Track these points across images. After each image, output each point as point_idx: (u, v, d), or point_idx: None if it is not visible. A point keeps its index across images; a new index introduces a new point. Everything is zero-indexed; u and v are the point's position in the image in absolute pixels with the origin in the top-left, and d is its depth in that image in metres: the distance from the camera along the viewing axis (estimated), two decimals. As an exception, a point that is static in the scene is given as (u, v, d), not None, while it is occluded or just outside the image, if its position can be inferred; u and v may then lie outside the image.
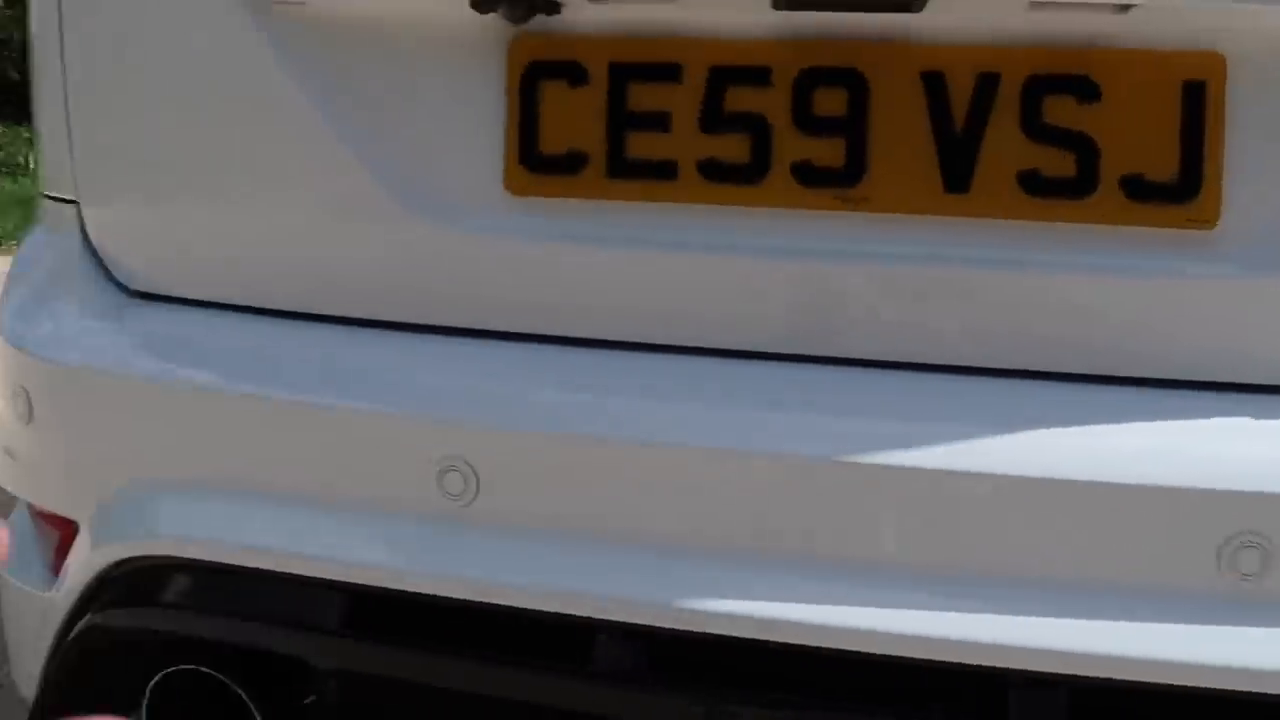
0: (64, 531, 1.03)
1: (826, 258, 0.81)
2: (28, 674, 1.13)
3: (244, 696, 0.96)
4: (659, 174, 0.83)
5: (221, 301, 0.97)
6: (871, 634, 0.76)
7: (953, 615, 0.76)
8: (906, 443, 0.75)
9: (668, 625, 0.79)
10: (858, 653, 0.77)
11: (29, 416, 1.01)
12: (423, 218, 0.87)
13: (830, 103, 0.79)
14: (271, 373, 0.90)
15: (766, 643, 0.78)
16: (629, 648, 0.80)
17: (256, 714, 0.96)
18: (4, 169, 9.03)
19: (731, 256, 0.83)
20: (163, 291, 1.01)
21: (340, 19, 0.87)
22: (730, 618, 0.78)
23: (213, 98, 0.94)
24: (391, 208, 0.88)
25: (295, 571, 0.86)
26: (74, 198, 1.04)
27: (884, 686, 0.78)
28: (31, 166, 9.18)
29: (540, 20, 0.82)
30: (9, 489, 1.09)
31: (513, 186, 0.86)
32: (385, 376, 0.87)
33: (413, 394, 0.85)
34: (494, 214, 0.87)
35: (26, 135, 10.18)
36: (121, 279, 1.03)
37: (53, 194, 1.09)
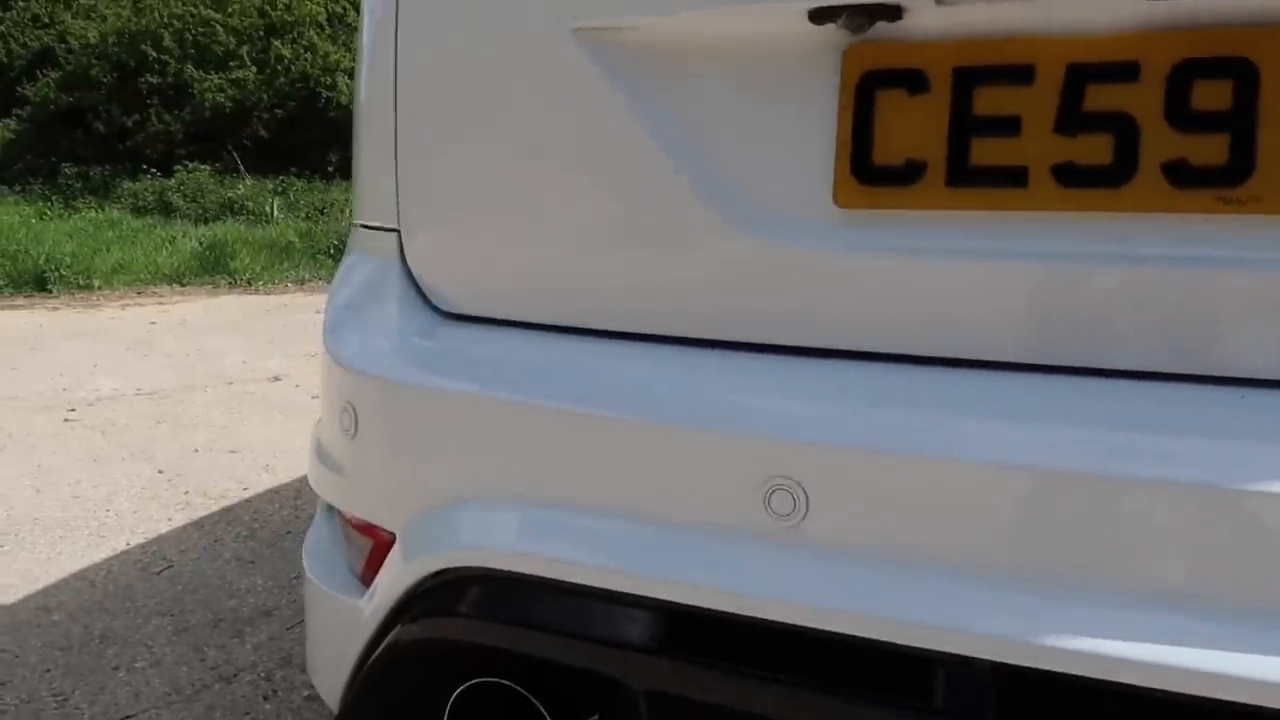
0: (378, 543, 1.07)
1: (1205, 265, 0.73)
2: (329, 679, 1.18)
3: (544, 713, 0.96)
4: (1007, 181, 0.78)
5: (538, 323, 1.00)
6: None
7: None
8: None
9: (1016, 662, 0.72)
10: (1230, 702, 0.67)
11: (354, 431, 1.06)
12: (747, 233, 0.86)
13: (1212, 95, 0.72)
14: (591, 390, 0.90)
15: (1129, 687, 0.70)
16: (970, 685, 0.74)
17: (557, 732, 0.96)
18: (254, 218, 10.03)
19: (1091, 266, 0.76)
20: (478, 313, 1.04)
21: (668, 40, 0.88)
22: (1093, 659, 0.70)
23: (538, 126, 0.97)
24: (715, 224, 0.87)
25: (612, 588, 0.85)
26: (395, 227, 1.11)
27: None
28: (276, 215, 10.17)
29: (878, 28, 0.80)
30: (331, 500, 1.16)
31: (842, 199, 0.83)
32: (709, 394, 0.85)
33: (739, 412, 0.83)
34: (821, 228, 0.84)
35: (271, 187, 11.28)
36: (438, 303, 1.07)
37: (372, 224, 1.16)
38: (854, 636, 0.76)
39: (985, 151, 0.79)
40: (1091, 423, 0.74)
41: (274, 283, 7.76)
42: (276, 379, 4.50)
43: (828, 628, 0.77)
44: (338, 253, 8.37)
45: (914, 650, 0.74)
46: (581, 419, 0.89)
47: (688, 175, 0.88)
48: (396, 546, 1.02)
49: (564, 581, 0.87)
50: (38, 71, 13.90)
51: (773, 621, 0.78)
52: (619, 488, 0.87)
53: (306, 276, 7.95)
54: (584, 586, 0.86)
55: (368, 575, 1.11)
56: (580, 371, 0.93)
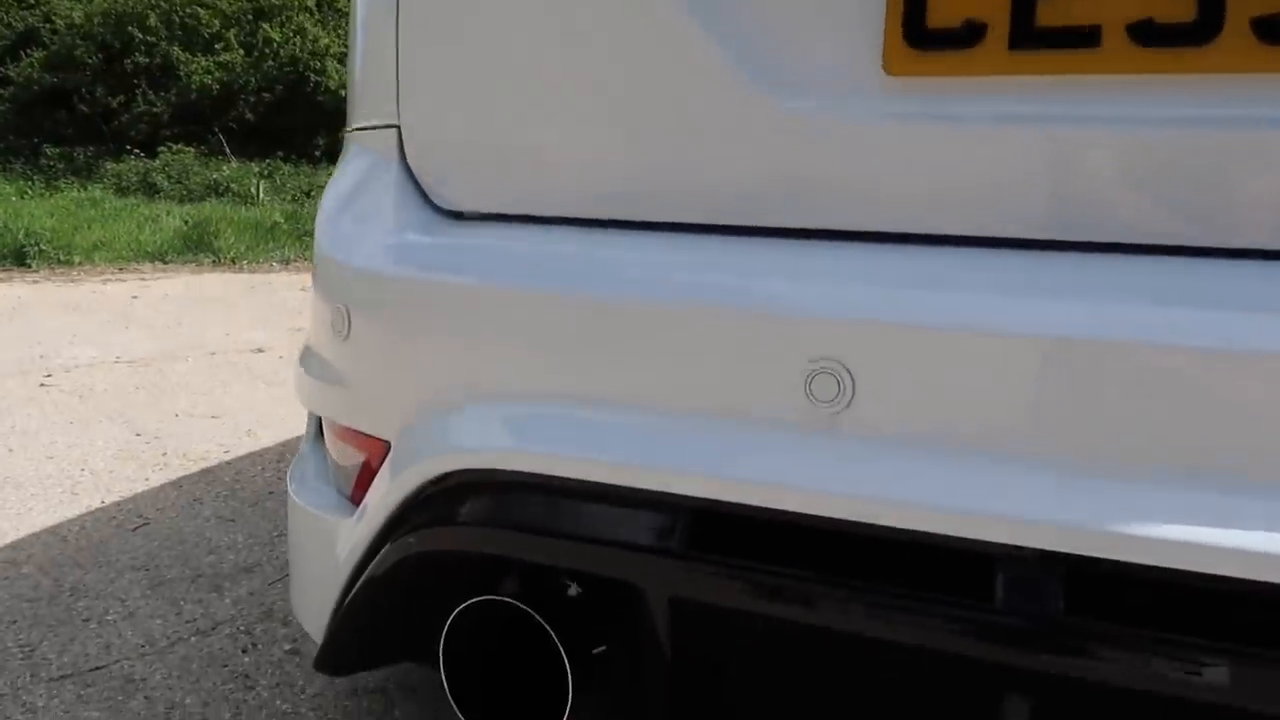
0: (371, 455, 1.00)
1: (1300, 126, 0.66)
2: (316, 612, 1.10)
3: (550, 633, 0.89)
4: (1077, 42, 0.71)
5: (549, 216, 0.92)
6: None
7: None
8: None
9: (1076, 553, 0.65)
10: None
11: (346, 333, 0.99)
12: (788, 106, 0.79)
13: (1309, -60, 0.66)
14: (611, 278, 0.83)
15: (1209, 577, 0.63)
16: (1034, 581, 0.67)
17: (563, 653, 0.89)
18: (239, 200, 9.88)
19: (1169, 132, 0.69)
20: (483, 210, 0.97)
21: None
22: (1164, 545, 0.63)
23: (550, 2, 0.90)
24: (753, 97, 0.80)
25: (636, 485, 0.77)
26: (395, 123, 1.03)
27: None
28: (261, 198, 10.03)
29: (936, -127, 0.73)
30: (321, 412, 1.08)
31: (892, 66, 0.76)
32: (743, 277, 0.78)
33: (777, 293, 0.76)
34: (870, 98, 0.77)
35: (257, 170, 11.14)
36: (439, 200, 1.00)
37: (367, 124, 1.09)
38: (905, 530, 0.69)
39: (1053, 10, 0.72)
40: (1179, 300, 0.67)
41: (259, 262, 7.64)
42: (260, 350, 4.39)
43: (877, 521, 0.70)
44: (324, 235, 8.23)
45: (972, 544, 0.67)
46: (601, 307, 0.82)
47: (721, 43, 0.81)
48: (391, 455, 0.95)
49: (582, 481, 0.80)
50: (21, 51, 13.68)
51: (815, 517, 0.71)
52: (642, 379, 0.79)
53: (292, 257, 7.83)
54: (605, 486, 0.79)
55: (358, 494, 1.03)
56: (598, 262, 0.86)
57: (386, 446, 0.96)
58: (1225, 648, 0.60)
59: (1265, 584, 0.60)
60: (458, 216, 0.99)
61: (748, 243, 0.81)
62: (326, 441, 1.12)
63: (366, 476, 1.01)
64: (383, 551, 0.94)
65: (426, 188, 1.01)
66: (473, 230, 0.97)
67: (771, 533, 0.74)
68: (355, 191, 1.08)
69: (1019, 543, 0.65)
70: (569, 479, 0.80)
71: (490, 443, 0.85)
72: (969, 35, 0.74)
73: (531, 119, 0.93)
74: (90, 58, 12.78)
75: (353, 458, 1.04)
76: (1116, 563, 0.63)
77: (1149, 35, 0.70)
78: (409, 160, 1.02)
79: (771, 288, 0.76)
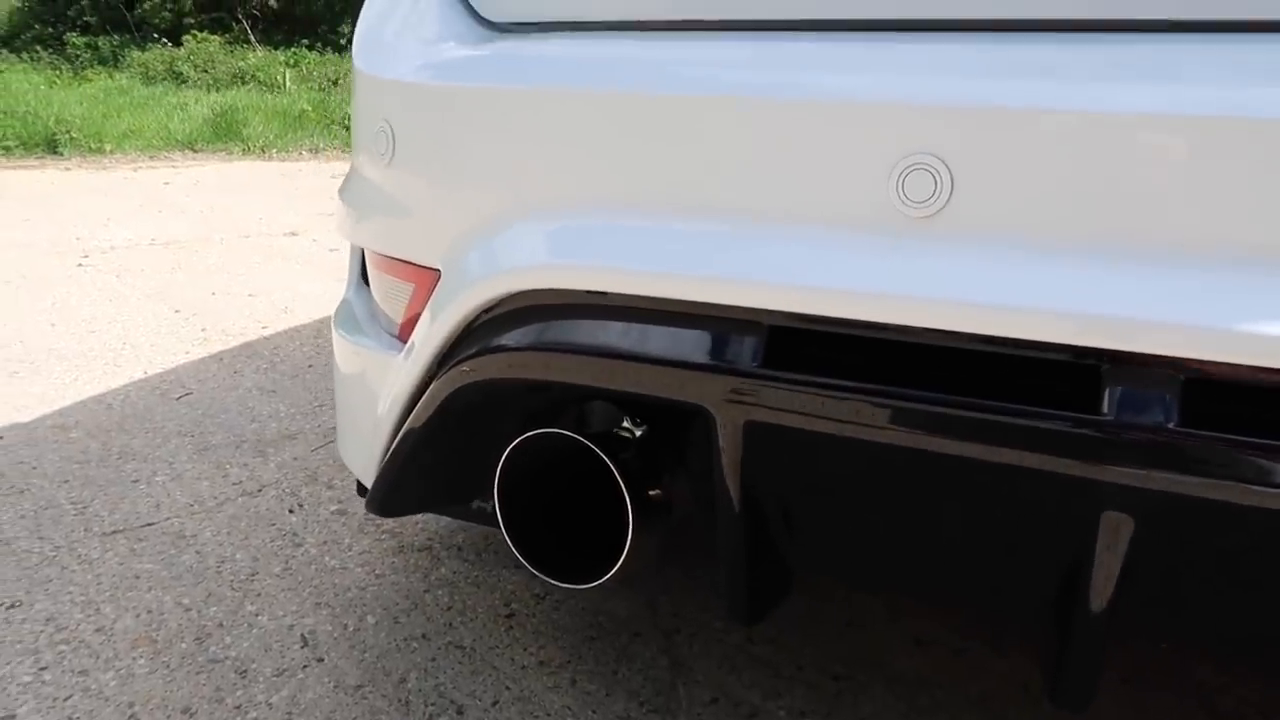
0: (419, 286, 0.95)
1: None
2: (365, 453, 1.07)
3: (611, 468, 0.85)
4: None
5: (602, 20, 0.84)
6: None
7: None
8: None
9: (1207, 358, 0.59)
10: None
11: (391, 154, 0.92)
12: None
13: None
14: (674, 76, 0.76)
15: None
16: (1153, 389, 0.61)
17: (624, 489, 0.85)
18: (265, 88, 9.72)
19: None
20: (526, 19, 0.89)
21: None
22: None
23: None
24: None
25: (705, 299, 0.72)
26: (436, -73, 0.95)
27: None
28: (288, 86, 9.85)
29: None
30: (365, 243, 1.03)
31: None
32: (816, 69, 0.71)
33: (859, 82, 0.68)
34: None
35: (282, 59, 10.92)
36: (483, 9, 0.92)
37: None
38: (1003, 338, 0.63)
39: None
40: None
41: (288, 150, 7.54)
42: (293, 234, 4.36)
43: (971, 329, 0.64)
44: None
45: (1077, 350, 0.61)
46: (663, 105, 0.74)
47: None
48: (440, 284, 0.90)
49: (645, 298, 0.74)
50: (41, -64, 13.34)
51: (904, 327, 0.65)
52: (711, 185, 0.73)
53: (321, 145, 7.72)
54: (670, 301, 0.73)
55: (405, 330, 0.99)
56: (659, 62, 0.78)
57: (435, 275, 0.91)
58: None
59: None
60: (503, 28, 0.91)
61: (822, 38, 0.73)
62: (370, 278, 1.08)
63: (415, 310, 0.96)
64: (434, 384, 0.90)
65: (470, -2, 0.93)
66: (517, 39, 0.89)
67: (856, 349, 0.68)
68: (395, 5, 1.00)
69: (1125, 348, 0.59)
70: (631, 295, 0.74)
71: (544, 260, 0.79)
72: None
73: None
74: (108, -58, 12.46)
75: (400, 291, 0.99)
76: (1238, 367, 0.57)
77: None
78: (451, -31, 0.94)
79: (857, 75, 0.68)
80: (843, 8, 0.73)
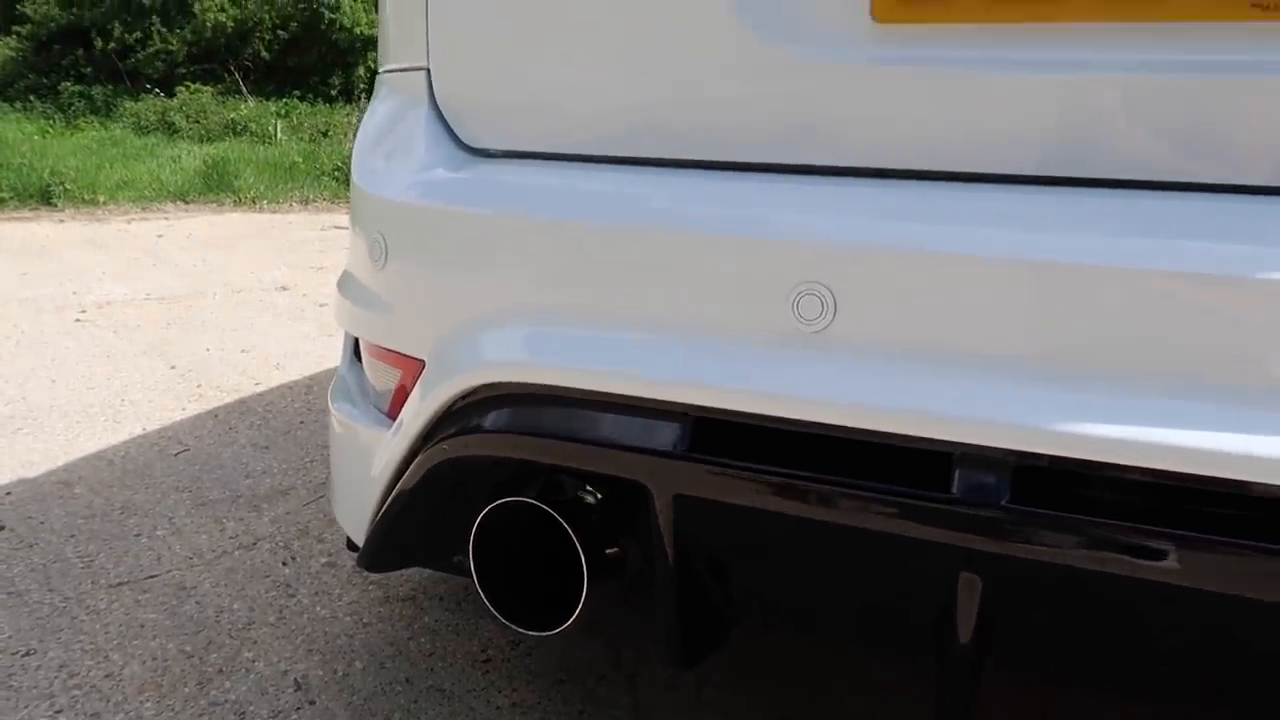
0: (406, 373, 1.10)
1: (1242, 71, 0.74)
2: (356, 516, 1.21)
3: (569, 531, 0.99)
4: (1046, -10, 0.78)
5: (566, 153, 1.01)
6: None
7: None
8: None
9: (1031, 450, 0.74)
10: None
11: (384, 261, 1.08)
12: (782, 50, 0.87)
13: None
14: (621, 208, 0.92)
15: (1135, 470, 0.72)
16: (989, 473, 0.76)
17: (580, 549, 0.99)
18: (256, 139, 9.94)
19: (1129, 75, 0.77)
20: (506, 147, 1.05)
21: None
22: (1104, 443, 0.72)
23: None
24: (750, 41, 0.87)
25: (642, 395, 0.87)
26: (424, 65, 1.11)
27: None
28: (279, 137, 10.07)
29: None
30: (361, 334, 1.18)
31: (880, 12, 0.83)
32: (739, 207, 0.87)
33: (769, 222, 0.84)
34: (858, 43, 0.85)
35: (274, 109, 11.15)
36: (466, 138, 1.08)
37: (398, 66, 1.17)
38: (874, 431, 0.78)
39: (1025, -39, 0.79)
40: (1119, 229, 0.75)
41: (278, 202, 7.73)
42: (284, 289, 4.51)
43: (848, 424, 0.79)
44: (341, 174, 8.31)
45: (930, 443, 0.77)
46: (612, 233, 0.90)
47: (725, -7, 0.88)
48: (424, 372, 1.05)
49: (593, 392, 0.89)
50: (38, -13, 13.62)
51: (796, 421, 0.81)
52: (649, 300, 0.88)
53: (311, 196, 7.91)
54: (613, 396, 0.88)
55: (394, 409, 1.13)
56: (608, 193, 0.94)
57: (420, 365, 1.06)
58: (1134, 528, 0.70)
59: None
60: (483, 153, 1.07)
61: (749, 178, 0.90)
62: (364, 361, 1.23)
63: (402, 392, 1.11)
64: (418, 459, 1.05)
65: (454, 126, 1.09)
66: (496, 166, 1.05)
67: (762, 435, 0.83)
68: (388, 130, 1.16)
69: (971, 441, 0.75)
70: (583, 390, 0.89)
71: (512, 358, 0.95)
72: (949, -15, 0.81)
73: (549, 64, 1.01)
74: (105, -6, 12.72)
75: (389, 375, 1.14)
76: (1055, 458, 0.73)
77: (1111, -15, 0.76)
78: (437, 101, 1.10)
79: (767, 218, 0.85)
80: (762, 151, 0.90)
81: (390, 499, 1.11)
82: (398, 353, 1.09)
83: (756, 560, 0.92)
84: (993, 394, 0.75)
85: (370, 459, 1.15)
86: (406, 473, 1.08)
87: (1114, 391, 0.72)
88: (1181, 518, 0.73)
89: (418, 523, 1.13)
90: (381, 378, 1.16)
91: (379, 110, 1.19)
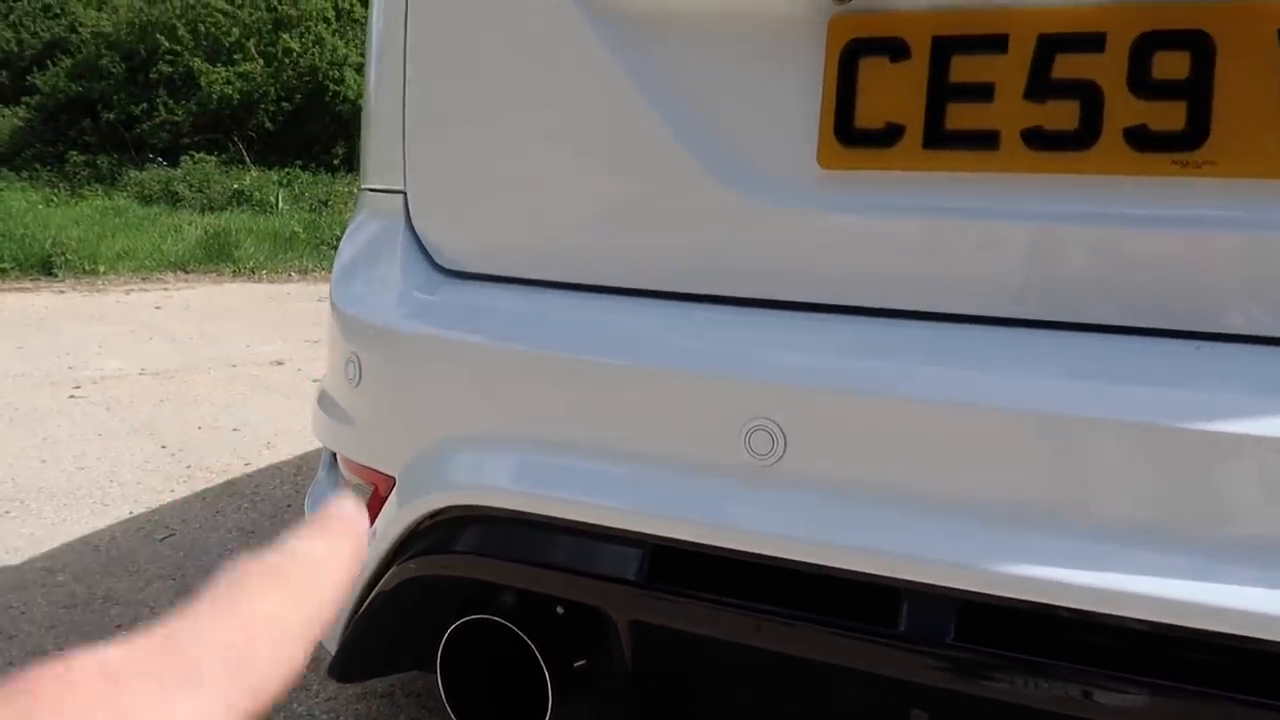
0: (379, 487, 1.13)
1: (1164, 224, 0.78)
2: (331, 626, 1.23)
3: (533, 648, 1.01)
4: (980, 143, 0.83)
5: (534, 279, 1.05)
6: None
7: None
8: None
9: (977, 589, 0.77)
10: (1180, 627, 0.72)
11: (358, 380, 1.11)
12: (737, 193, 0.91)
13: (1171, 66, 0.77)
14: (582, 339, 0.96)
15: (1055, 608, 0.75)
16: (931, 611, 0.78)
17: (544, 666, 1.01)
18: (258, 208, 10.10)
19: (1057, 225, 0.81)
20: (478, 270, 1.10)
21: (665, 6, 0.93)
22: (1046, 585, 0.75)
23: (539, 93, 1.02)
24: (707, 184, 0.92)
25: (598, 523, 0.90)
26: (401, 189, 1.16)
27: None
28: (281, 206, 10.23)
29: (864, -1, 0.85)
30: (335, 448, 1.21)
31: (825, 160, 0.88)
32: (694, 342, 0.90)
33: (723, 358, 0.88)
34: (806, 188, 0.89)
35: (276, 179, 11.34)
36: (440, 260, 1.13)
37: (378, 186, 1.22)
38: (823, 566, 0.81)
39: (960, 116, 0.84)
40: (1052, 372, 0.79)
41: (277, 272, 7.82)
42: (279, 363, 4.55)
43: (798, 558, 0.82)
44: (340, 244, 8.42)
45: (878, 579, 0.79)
46: (572, 365, 0.94)
47: (685, 138, 0.94)
48: (395, 489, 1.07)
49: (553, 518, 0.92)
50: (49, 60, 13.97)
51: (748, 553, 0.83)
52: (607, 430, 0.92)
53: (310, 266, 8.01)
54: (572, 522, 0.91)
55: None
56: (572, 323, 0.98)
57: (392, 481, 1.09)
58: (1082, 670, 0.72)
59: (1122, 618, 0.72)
60: (456, 275, 1.11)
61: (704, 310, 0.94)
62: (341, 470, 1.25)
63: (375, 505, 1.13)
64: (388, 574, 1.07)
65: (430, 249, 1.14)
66: (468, 288, 1.09)
67: (717, 565, 0.86)
68: (366, 249, 1.21)
69: (915, 579, 0.77)
70: (544, 515, 0.92)
71: (476, 482, 0.98)
72: (890, 135, 0.86)
73: (521, 194, 1.05)
74: (115, 67, 13.04)
75: (363, 489, 1.16)
76: (999, 598, 0.75)
77: (1040, 140, 0.81)
78: (414, 223, 1.15)
79: (719, 353, 0.88)
80: (717, 285, 0.94)
81: (362, 610, 1.12)
82: (370, 468, 1.12)
83: (714, 685, 0.94)
84: (938, 533, 0.78)
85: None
86: (378, 585, 1.10)
87: (1060, 534, 0.75)
88: (1129, 660, 0.75)
89: (389, 634, 1.14)
90: (356, 489, 1.18)
91: (359, 229, 1.24)
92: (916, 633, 0.77)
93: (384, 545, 1.09)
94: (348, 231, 1.27)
